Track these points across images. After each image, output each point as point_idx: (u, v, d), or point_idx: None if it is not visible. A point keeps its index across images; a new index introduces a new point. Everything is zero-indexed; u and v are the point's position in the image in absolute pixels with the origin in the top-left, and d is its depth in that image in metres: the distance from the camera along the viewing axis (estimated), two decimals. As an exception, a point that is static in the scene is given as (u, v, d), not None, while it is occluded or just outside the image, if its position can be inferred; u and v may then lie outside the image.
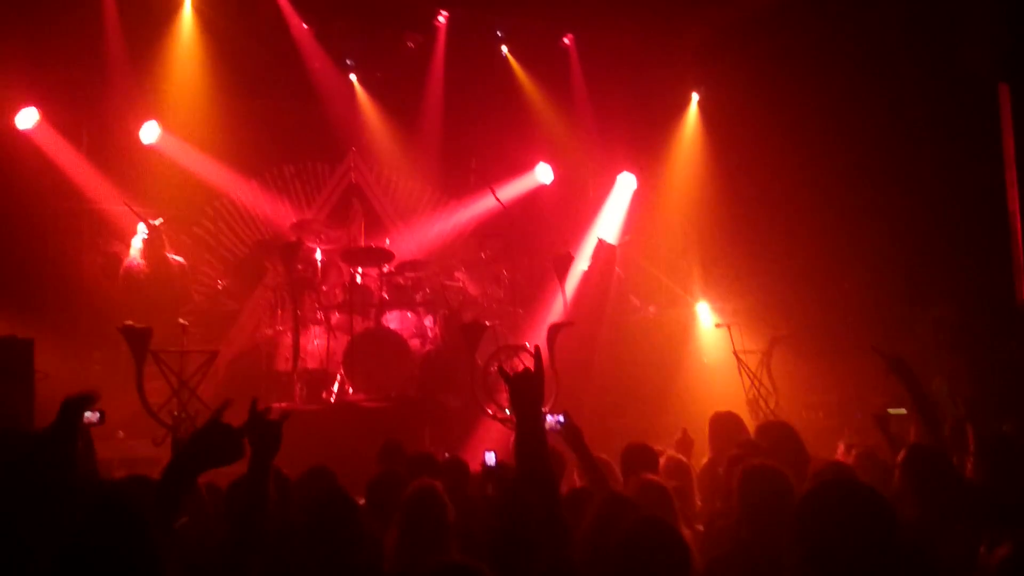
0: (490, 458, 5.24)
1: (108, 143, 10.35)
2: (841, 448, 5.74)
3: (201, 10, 10.40)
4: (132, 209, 9.37)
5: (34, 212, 9.56)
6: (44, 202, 9.73)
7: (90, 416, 4.70)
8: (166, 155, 10.40)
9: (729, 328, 9.71)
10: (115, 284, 9.35)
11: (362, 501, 4.43)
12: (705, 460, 5.88)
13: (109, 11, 9.87)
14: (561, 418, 4.39)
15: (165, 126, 10.32)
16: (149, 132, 10.23)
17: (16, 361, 6.88)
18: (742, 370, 9.12)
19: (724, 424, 6.00)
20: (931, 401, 4.41)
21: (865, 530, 2.54)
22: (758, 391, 8.93)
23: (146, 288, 9.15)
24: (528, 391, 2.86)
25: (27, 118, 9.59)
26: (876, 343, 4.73)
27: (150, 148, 10.29)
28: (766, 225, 10.95)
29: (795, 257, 10.56)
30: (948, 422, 4.65)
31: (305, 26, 10.93)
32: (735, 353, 9.30)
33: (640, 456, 5.01)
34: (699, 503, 5.01)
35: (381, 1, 11.00)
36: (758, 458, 4.24)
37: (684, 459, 5.26)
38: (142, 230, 9.26)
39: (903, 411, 5.39)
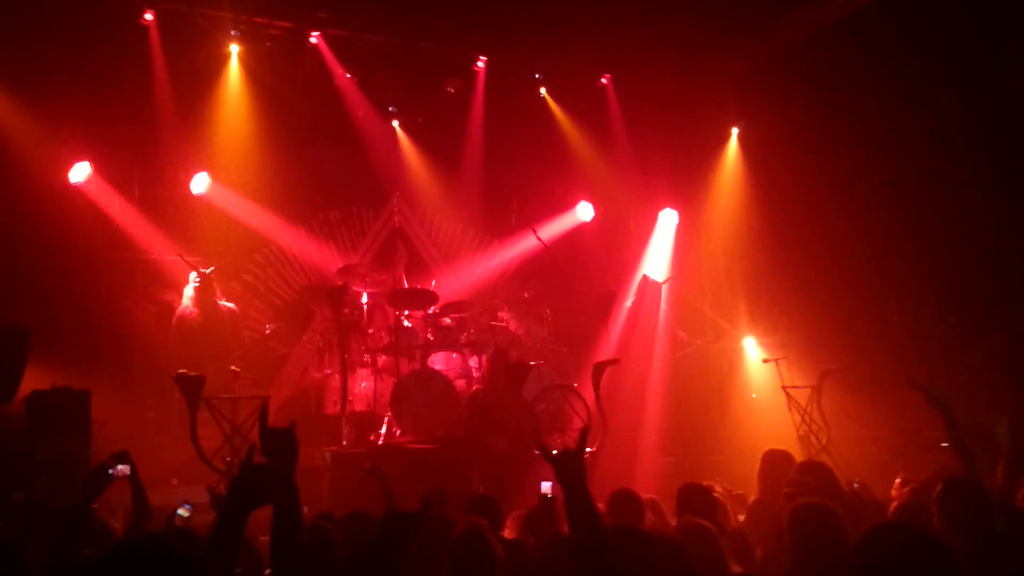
0: (545, 487, 5.25)
1: (159, 195, 10.62)
2: (898, 483, 5.64)
3: (247, 63, 10.65)
4: (183, 258, 9.55)
5: (88, 264, 9.76)
6: (97, 254, 9.95)
7: (122, 468, 4.70)
8: (215, 205, 10.61)
9: (777, 363, 9.60)
10: (168, 332, 9.51)
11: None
12: (753, 498, 5.82)
13: (158, 67, 10.12)
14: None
15: (214, 176, 10.53)
16: (199, 183, 10.44)
17: (74, 413, 7.04)
18: (792, 406, 8.99)
19: (775, 462, 5.92)
20: (963, 433, 4.28)
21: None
22: (808, 427, 8.79)
23: (198, 335, 9.29)
24: (571, 467, 2.99)
25: (80, 172, 9.82)
26: (922, 376, 4.61)
27: (200, 198, 10.50)
28: (811, 258, 10.82)
29: (842, 289, 10.41)
30: (1004, 457, 4.53)
31: (348, 76, 11.14)
32: (784, 388, 9.18)
33: (695, 496, 4.96)
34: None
35: (421, 49, 11.17)
36: (807, 496, 4.19)
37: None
38: (194, 278, 9.42)
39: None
